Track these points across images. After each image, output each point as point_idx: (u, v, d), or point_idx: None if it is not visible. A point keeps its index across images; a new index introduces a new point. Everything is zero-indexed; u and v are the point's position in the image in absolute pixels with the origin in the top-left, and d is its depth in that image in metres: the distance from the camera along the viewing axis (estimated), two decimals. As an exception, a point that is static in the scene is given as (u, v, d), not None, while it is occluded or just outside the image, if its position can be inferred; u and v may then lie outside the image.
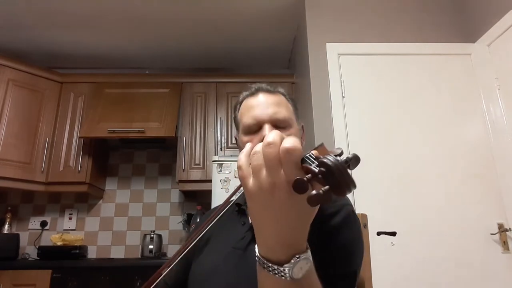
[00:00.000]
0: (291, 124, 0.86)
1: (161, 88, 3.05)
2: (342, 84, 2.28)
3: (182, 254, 0.65)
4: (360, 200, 2.03)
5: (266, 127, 0.82)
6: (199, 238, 0.89)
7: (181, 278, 0.91)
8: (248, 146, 0.52)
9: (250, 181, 0.46)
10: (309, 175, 0.39)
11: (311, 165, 0.41)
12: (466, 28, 2.42)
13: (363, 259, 0.77)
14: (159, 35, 3.00)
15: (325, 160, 0.39)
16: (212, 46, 3.16)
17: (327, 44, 2.37)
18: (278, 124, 0.84)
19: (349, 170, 0.39)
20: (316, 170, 0.39)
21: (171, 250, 2.99)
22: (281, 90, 0.93)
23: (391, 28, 2.43)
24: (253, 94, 0.91)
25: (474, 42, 2.33)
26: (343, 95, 2.26)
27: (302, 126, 0.95)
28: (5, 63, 2.77)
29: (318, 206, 0.45)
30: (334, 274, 0.68)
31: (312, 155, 0.43)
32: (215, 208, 1.07)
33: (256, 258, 0.49)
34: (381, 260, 1.85)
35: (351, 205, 0.81)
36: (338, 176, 0.37)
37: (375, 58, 2.34)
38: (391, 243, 1.96)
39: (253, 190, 0.46)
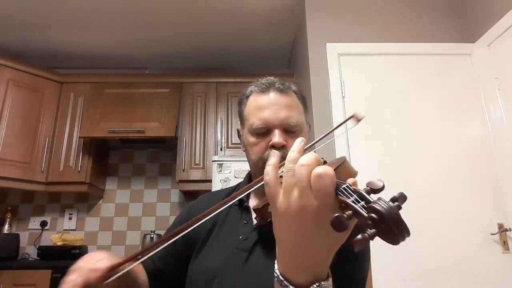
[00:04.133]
0: (301, 128, 0.81)
1: (161, 88, 3.05)
2: (342, 84, 2.28)
3: (172, 239, 0.58)
4: (360, 200, 2.03)
5: (276, 132, 0.78)
6: (193, 227, 0.85)
7: (171, 258, 0.86)
8: (274, 157, 0.48)
9: (280, 199, 0.44)
10: (350, 212, 0.37)
11: (349, 198, 0.39)
12: (466, 28, 2.42)
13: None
14: (159, 35, 3.00)
15: (377, 206, 0.36)
16: (212, 46, 3.16)
17: (327, 44, 2.37)
18: (289, 129, 0.79)
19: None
20: (365, 215, 0.36)
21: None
22: (294, 88, 0.86)
23: (391, 28, 2.43)
24: (263, 91, 0.83)
25: (474, 42, 2.33)
26: (343, 95, 2.26)
27: (309, 126, 0.90)
28: (5, 63, 2.77)
29: (347, 235, 0.43)
30: (342, 278, 0.66)
31: (349, 186, 0.40)
32: (214, 193, 1.01)
33: (275, 273, 0.47)
34: (381, 260, 1.84)
35: None
36: (392, 226, 0.35)
37: (375, 58, 2.34)
38: (391, 243, 1.96)
39: (281, 208, 0.44)
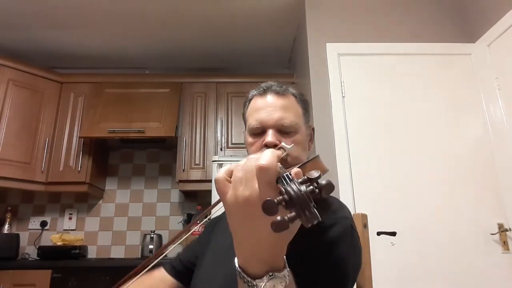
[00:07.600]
0: (297, 130, 0.83)
1: (161, 88, 3.05)
2: (342, 84, 2.27)
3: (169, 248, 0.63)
4: (360, 200, 2.03)
5: (270, 132, 0.80)
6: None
7: (191, 262, 0.93)
8: (225, 167, 0.52)
9: (228, 194, 0.47)
10: (280, 197, 0.38)
11: (284, 185, 0.40)
12: (466, 28, 2.42)
13: (360, 268, 0.75)
14: (159, 35, 3.00)
15: (288, 188, 0.38)
16: (212, 46, 3.16)
17: (327, 44, 2.36)
18: (283, 130, 0.81)
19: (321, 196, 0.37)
20: (286, 199, 0.38)
21: (171, 250, 2.99)
22: (293, 91, 0.89)
23: (391, 28, 2.43)
24: (261, 94, 0.87)
25: (474, 42, 2.33)
26: (343, 95, 2.26)
27: (313, 129, 0.92)
28: (5, 63, 2.77)
29: (298, 226, 0.45)
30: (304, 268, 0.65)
31: (289, 175, 0.42)
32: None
33: (235, 267, 0.49)
34: (381, 260, 1.84)
35: (350, 218, 0.75)
36: (300, 208, 0.36)
37: (375, 58, 2.34)
38: (391, 243, 1.96)
39: (230, 202, 0.47)
